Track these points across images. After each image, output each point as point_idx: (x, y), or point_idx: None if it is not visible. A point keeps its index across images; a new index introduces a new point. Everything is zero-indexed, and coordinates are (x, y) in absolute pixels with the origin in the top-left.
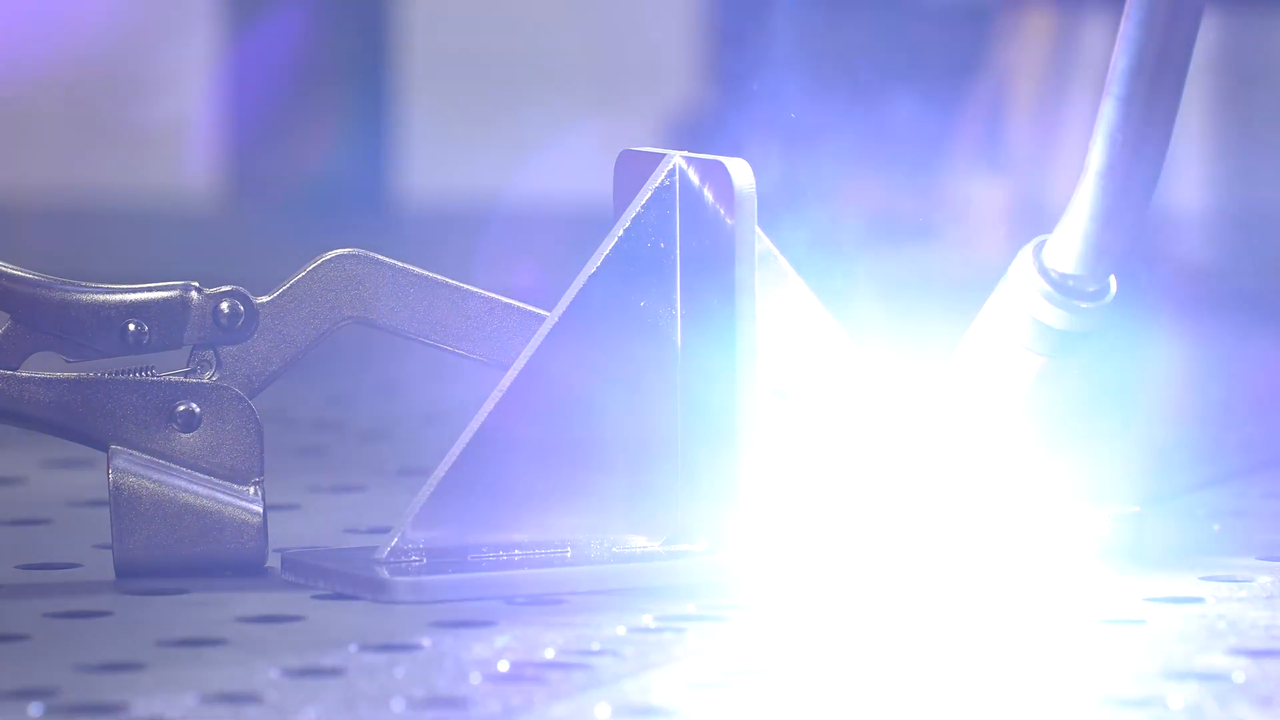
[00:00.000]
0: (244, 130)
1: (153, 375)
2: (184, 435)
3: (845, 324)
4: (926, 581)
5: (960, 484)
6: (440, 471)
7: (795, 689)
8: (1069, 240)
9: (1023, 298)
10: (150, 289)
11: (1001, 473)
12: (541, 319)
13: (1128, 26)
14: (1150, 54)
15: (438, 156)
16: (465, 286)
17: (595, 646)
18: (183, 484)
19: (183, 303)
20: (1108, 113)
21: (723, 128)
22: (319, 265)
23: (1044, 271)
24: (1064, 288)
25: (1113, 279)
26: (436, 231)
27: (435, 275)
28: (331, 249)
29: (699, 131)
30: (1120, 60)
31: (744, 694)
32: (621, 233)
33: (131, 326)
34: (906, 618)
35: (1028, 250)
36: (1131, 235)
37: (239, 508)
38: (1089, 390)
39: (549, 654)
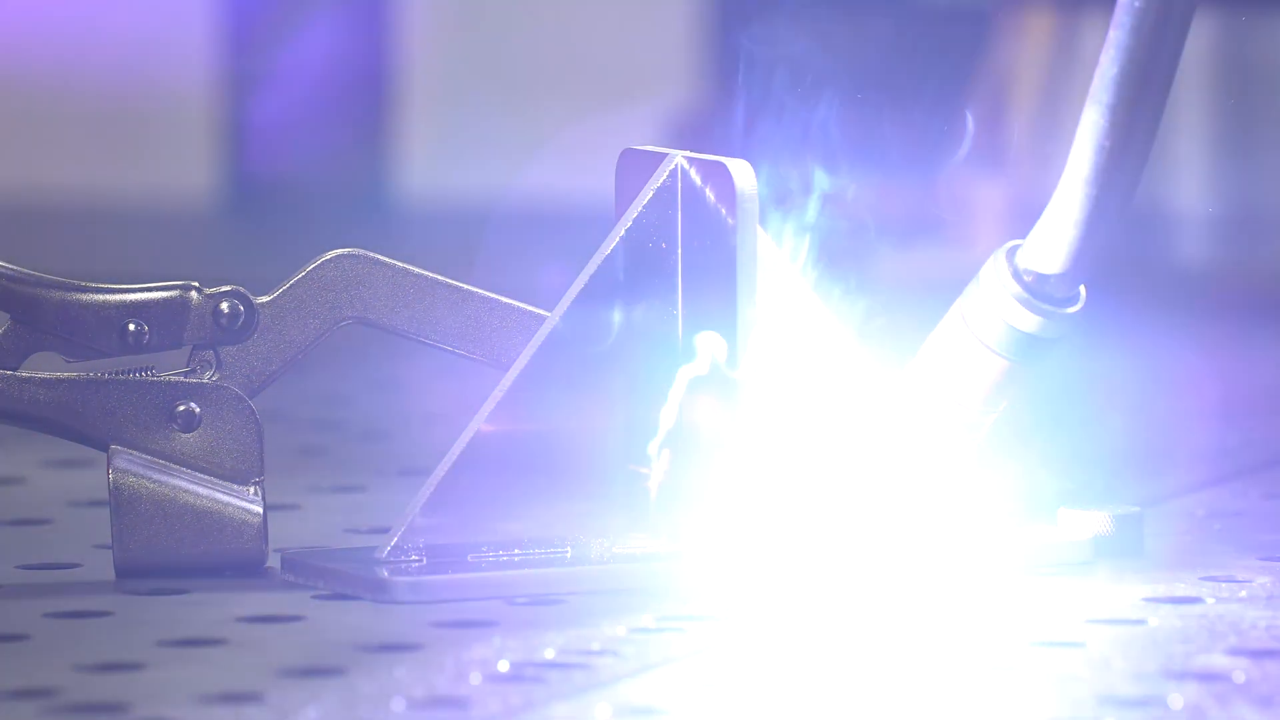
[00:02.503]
0: (244, 130)
1: (153, 375)
2: (184, 435)
3: (848, 324)
4: (922, 581)
5: (948, 483)
6: (440, 472)
7: (795, 689)
8: (1048, 246)
9: (993, 300)
10: (150, 289)
11: (979, 474)
12: (542, 319)
13: (1118, 34)
14: (1138, 62)
15: (438, 156)
16: (465, 287)
17: (595, 646)
18: (183, 484)
19: (183, 303)
20: (1094, 119)
21: (723, 128)
22: (319, 265)
23: (1017, 275)
24: (1037, 292)
25: (1082, 288)
26: (436, 232)
27: (435, 275)
28: (331, 249)
29: (700, 131)
30: (1110, 68)
31: (744, 694)
32: (623, 232)
33: (131, 326)
34: (902, 617)
35: (1000, 253)
36: (1110, 243)
37: (239, 508)
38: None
39: (549, 654)
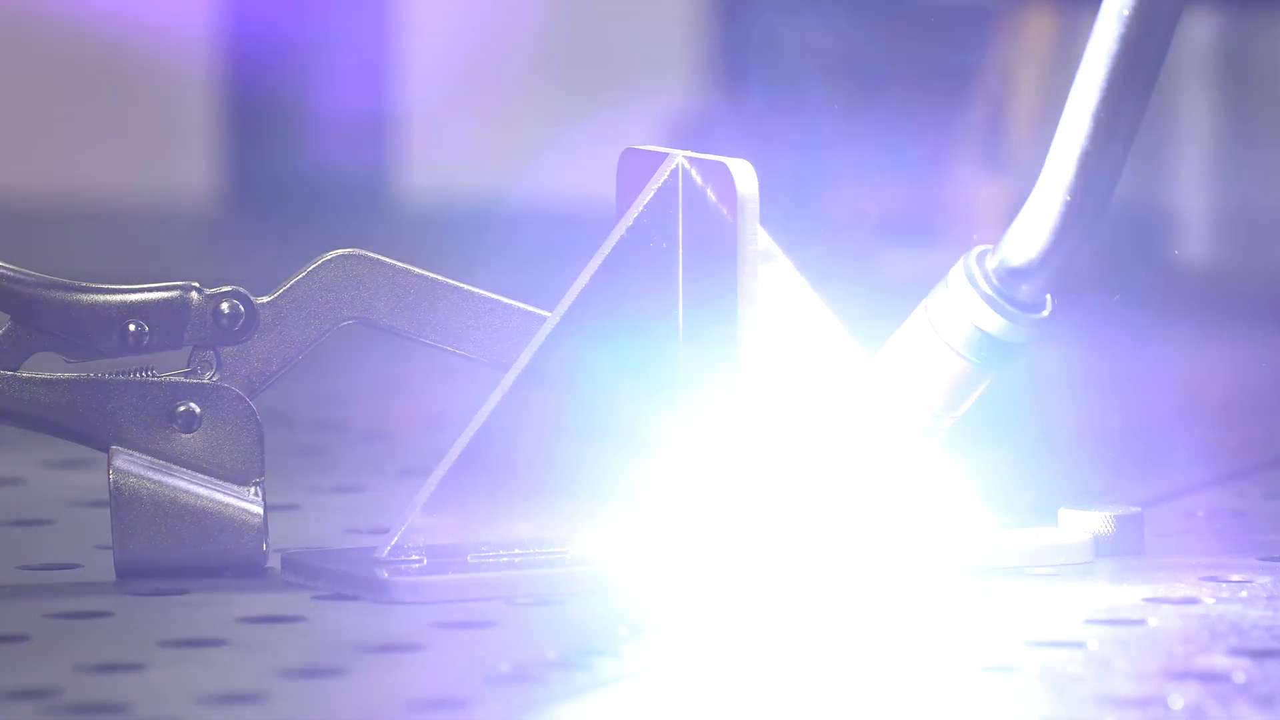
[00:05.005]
0: (244, 129)
1: (153, 376)
2: (184, 436)
3: (848, 324)
4: (921, 581)
5: (919, 482)
6: (440, 472)
7: (796, 689)
8: (1023, 249)
9: (962, 301)
10: (150, 289)
11: (959, 474)
12: (542, 319)
13: (1104, 40)
14: (1123, 67)
15: (439, 156)
16: (466, 287)
17: (596, 647)
18: (183, 485)
19: (183, 303)
20: (1079, 125)
21: (724, 128)
22: (319, 266)
23: (987, 277)
24: (1007, 295)
25: (1049, 296)
26: (437, 232)
27: (436, 275)
28: (332, 249)
29: (701, 131)
30: (1095, 73)
31: (746, 694)
32: (623, 232)
33: (132, 327)
34: (901, 617)
35: (970, 256)
36: (1085, 248)
37: (239, 508)
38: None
39: (549, 654)
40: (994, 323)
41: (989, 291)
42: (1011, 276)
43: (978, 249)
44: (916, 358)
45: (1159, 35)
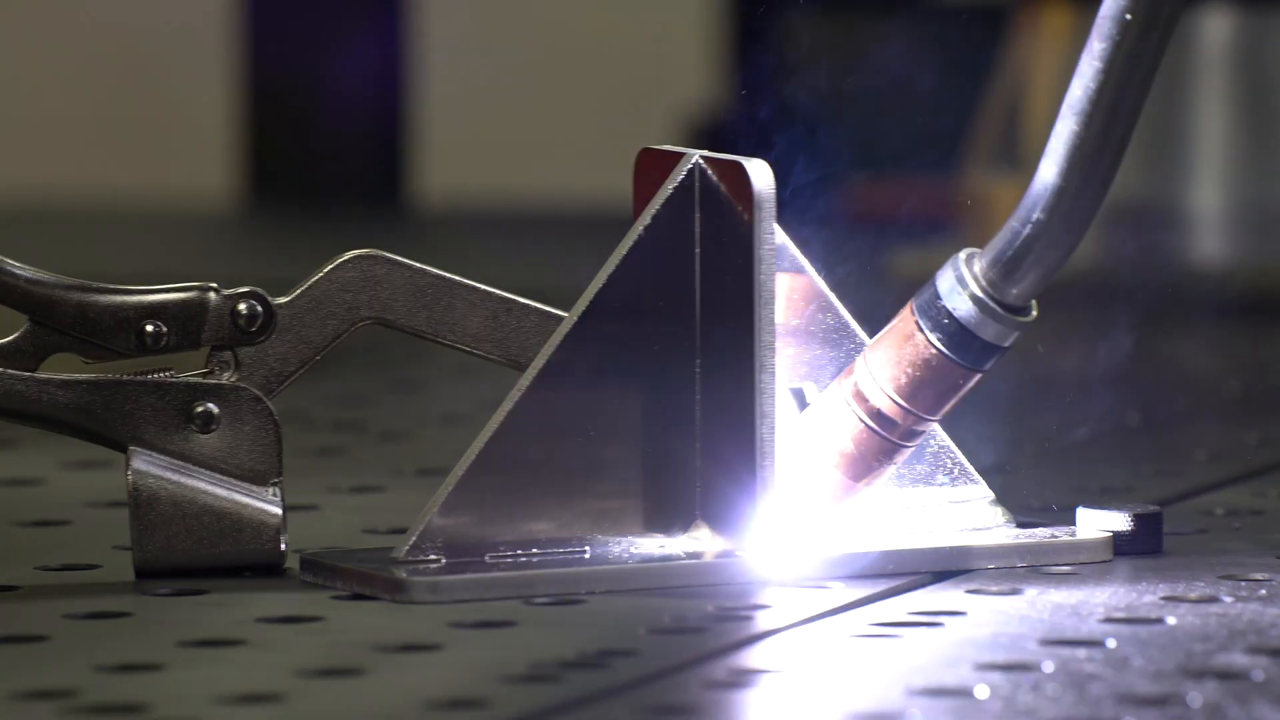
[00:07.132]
0: (262, 130)
1: (171, 376)
2: (202, 436)
3: (861, 322)
4: (941, 581)
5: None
6: (458, 472)
7: (813, 687)
8: (1013, 254)
9: (949, 303)
10: (168, 290)
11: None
12: (559, 319)
13: (1102, 46)
14: (1120, 74)
15: (455, 157)
16: (482, 287)
17: (614, 647)
18: (202, 485)
19: (201, 304)
20: (1073, 130)
21: (740, 127)
22: (336, 266)
23: (976, 279)
24: (996, 298)
25: (1034, 301)
26: (454, 232)
27: (453, 276)
28: (349, 250)
29: (716, 131)
30: (1091, 80)
31: (762, 695)
32: (640, 231)
33: (149, 328)
34: (919, 617)
35: (959, 258)
36: (1073, 251)
37: (258, 509)
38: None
39: (567, 654)
40: (979, 323)
41: (977, 293)
42: (1000, 278)
43: (966, 251)
44: (902, 358)
45: (1158, 38)
